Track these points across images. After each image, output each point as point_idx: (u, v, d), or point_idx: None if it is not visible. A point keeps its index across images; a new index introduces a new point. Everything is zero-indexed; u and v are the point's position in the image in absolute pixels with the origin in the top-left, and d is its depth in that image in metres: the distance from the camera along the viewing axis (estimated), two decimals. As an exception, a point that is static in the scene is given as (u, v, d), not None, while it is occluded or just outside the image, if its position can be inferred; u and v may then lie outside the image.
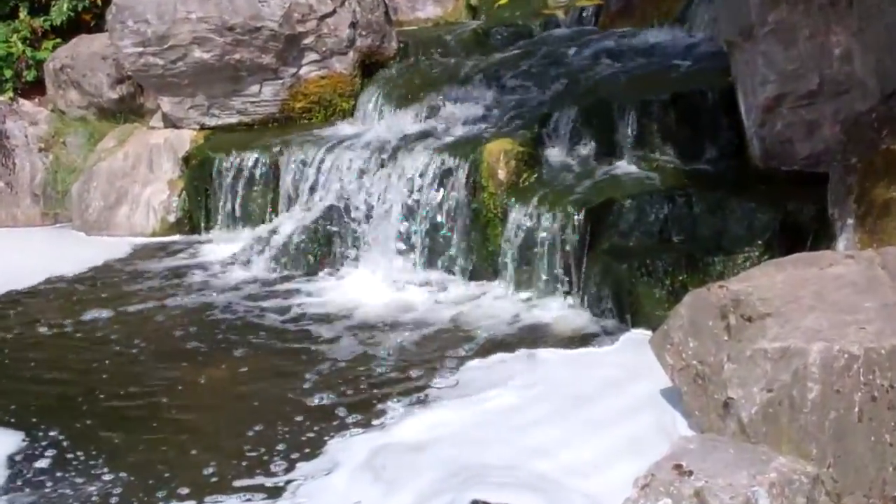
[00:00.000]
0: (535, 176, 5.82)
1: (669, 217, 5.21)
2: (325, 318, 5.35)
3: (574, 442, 3.81)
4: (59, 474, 3.85)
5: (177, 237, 7.07)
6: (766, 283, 3.74)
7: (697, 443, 3.43)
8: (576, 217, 5.31)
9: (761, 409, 3.41)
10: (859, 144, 4.66)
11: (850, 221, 4.48)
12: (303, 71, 7.35)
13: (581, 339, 4.89)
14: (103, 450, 4.01)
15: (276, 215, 6.64)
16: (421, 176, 5.96)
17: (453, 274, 5.83)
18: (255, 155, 6.84)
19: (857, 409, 3.27)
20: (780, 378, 3.39)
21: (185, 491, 3.69)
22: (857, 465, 3.28)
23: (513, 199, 5.64)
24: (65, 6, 8.53)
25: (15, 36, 8.48)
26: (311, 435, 4.03)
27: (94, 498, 3.69)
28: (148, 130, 7.65)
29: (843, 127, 4.86)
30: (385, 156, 6.27)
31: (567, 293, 5.32)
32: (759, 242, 4.90)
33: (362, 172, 6.29)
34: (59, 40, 8.47)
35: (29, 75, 8.42)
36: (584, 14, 8.18)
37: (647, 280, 4.95)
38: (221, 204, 6.92)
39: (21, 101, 7.94)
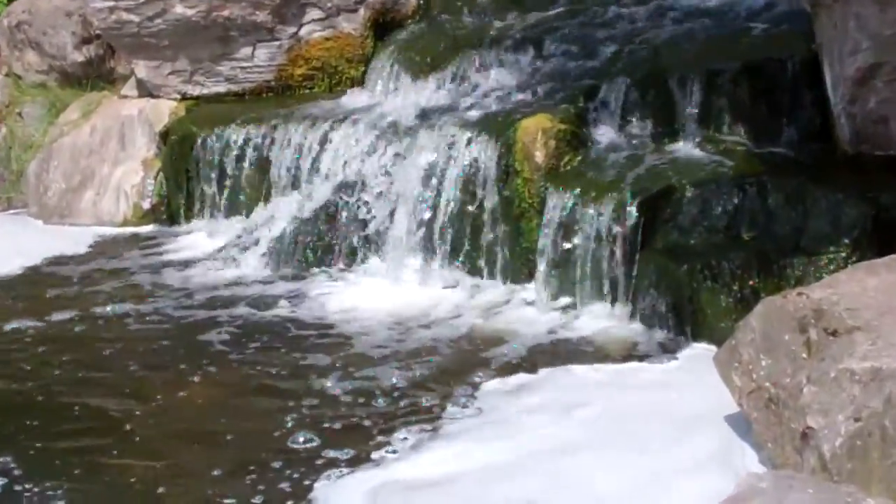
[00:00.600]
0: (580, 159, 5.81)
1: (739, 210, 5.19)
2: (325, 327, 5.35)
3: (622, 480, 3.79)
4: (8, 508, 3.87)
5: (152, 227, 7.11)
6: (854, 291, 3.71)
7: (770, 481, 3.41)
8: (627, 208, 5.29)
9: (847, 441, 3.39)
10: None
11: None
12: (304, 31, 7.37)
13: (630, 356, 4.87)
14: (59, 481, 4.00)
15: (271, 203, 6.65)
16: (443, 158, 5.96)
17: (480, 275, 5.83)
18: (247, 130, 6.86)
19: (962, 444, 3.24)
20: (870, 405, 3.36)
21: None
22: (961, 511, 3.25)
23: (552, 187, 5.62)
24: (23, -48, 8.58)
25: (-37, -13, 8.56)
26: (302, 469, 4.00)
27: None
28: (119, 100, 7.69)
29: (951, 104, 4.83)
30: (400, 133, 6.28)
31: (615, 300, 5.31)
32: (847, 241, 4.87)
33: (373, 153, 6.30)
34: (15, -8, 8.52)
35: (-21, 34, 8.47)
36: (641, -34, 8.15)
37: (712, 285, 4.93)
38: (205, 189, 6.95)
39: (-31, 64, 8.02)
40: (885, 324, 3.53)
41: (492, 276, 5.79)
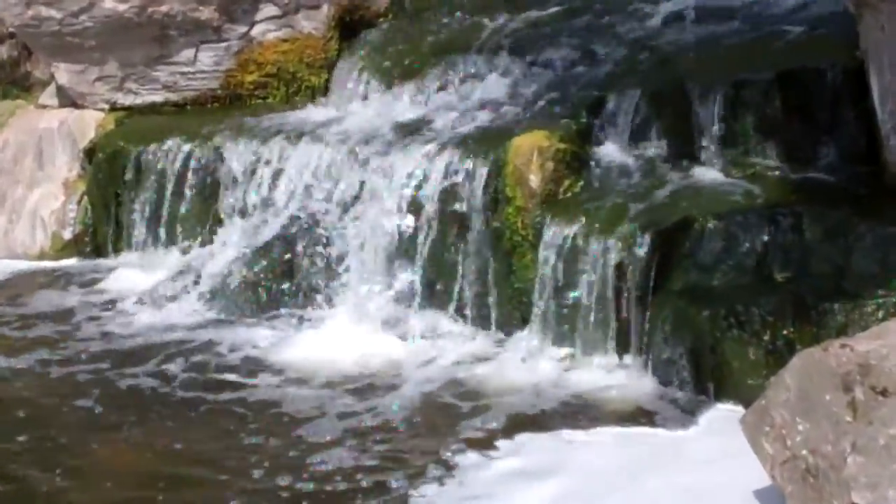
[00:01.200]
0: (582, 184, 5.83)
1: (770, 246, 5.20)
2: (275, 385, 5.34)
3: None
4: None
5: (74, 261, 7.10)
6: (907, 342, 3.71)
7: (807, 568, 3.41)
8: (638, 243, 5.30)
9: (899, 521, 3.39)
10: None
11: None
12: (256, 31, 7.38)
13: (642, 418, 4.86)
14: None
15: (216, 233, 6.65)
16: (420, 182, 5.96)
17: (463, 321, 5.82)
18: (188, 147, 6.86)
19: None
20: (926, 478, 3.36)
21: None
22: None
23: (549, 217, 5.63)
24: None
25: None
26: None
27: None
28: (36, 110, 7.68)
29: None
30: (371, 152, 6.28)
31: (623, 351, 5.31)
32: (898, 284, 4.91)
33: (338, 176, 6.30)
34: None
35: None
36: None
37: (739, 334, 4.93)
38: (138, 216, 6.93)
39: None
40: (944, 382, 3.54)
41: (478, 321, 5.79)
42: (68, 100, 7.56)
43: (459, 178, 5.89)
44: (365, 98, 6.95)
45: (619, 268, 5.32)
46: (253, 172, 6.59)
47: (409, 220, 5.95)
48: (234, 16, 7.34)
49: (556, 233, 5.53)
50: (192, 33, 7.32)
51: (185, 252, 6.70)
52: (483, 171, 5.84)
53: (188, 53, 7.38)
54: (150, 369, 5.54)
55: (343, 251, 6.10)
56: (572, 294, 5.45)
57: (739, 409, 4.38)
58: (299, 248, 6.18)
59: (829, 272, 5.07)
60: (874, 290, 4.89)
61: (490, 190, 5.81)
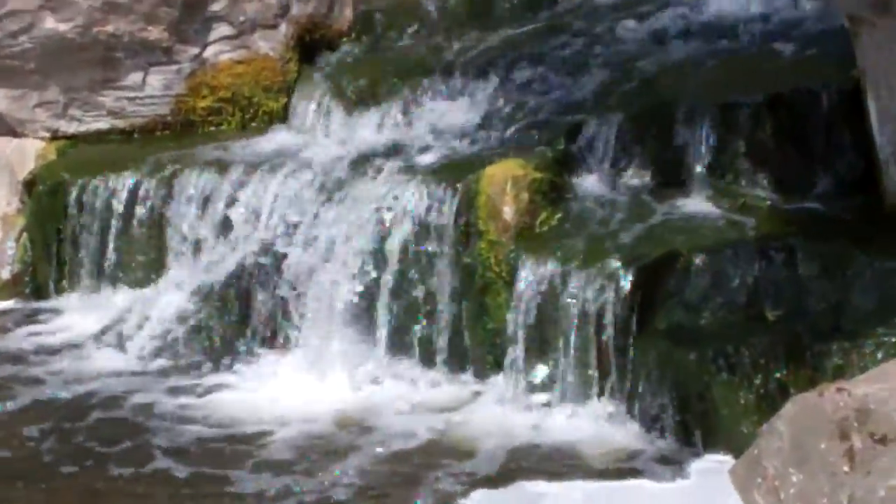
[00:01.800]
0: (559, 216, 5.84)
1: (762, 282, 5.21)
2: (231, 439, 5.32)
3: None
4: None
5: (12, 303, 7.05)
6: (907, 386, 3.71)
7: None
8: (620, 280, 5.31)
9: (900, 581, 3.38)
10: None
11: None
12: (209, 52, 7.38)
13: (624, 469, 4.87)
14: None
15: (166, 272, 6.62)
16: (385, 215, 5.95)
17: (434, 365, 5.81)
18: (135, 179, 6.83)
19: None
20: (928, 534, 3.36)
21: None
22: None
23: (525, 252, 5.64)
24: None
25: None
26: None
27: None
28: (-29, 139, 7.66)
29: None
30: (333, 184, 6.27)
31: (604, 396, 5.31)
32: (898, 322, 4.91)
33: (297, 209, 6.28)
34: None
35: None
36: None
37: (728, 377, 4.94)
38: (82, 254, 6.91)
39: None
40: (947, 429, 3.54)
41: (447, 366, 5.78)
42: (6, 128, 7.53)
43: (428, 211, 5.90)
44: (326, 125, 6.94)
45: (600, 307, 5.32)
46: (205, 207, 6.57)
47: (373, 257, 5.94)
48: (186, 36, 7.33)
49: (531, 269, 5.54)
50: (140, 55, 7.31)
51: (132, 293, 6.65)
52: (453, 203, 5.85)
53: (136, 77, 7.36)
54: (92, 421, 5.53)
55: (301, 290, 6.08)
56: (549, 335, 5.45)
57: (729, 459, 4.41)
58: (254, 287, 6.19)
59: (825, 310, 5.09)
60: (873, 328, 4.90)
61: (461, 223, 5.82)
